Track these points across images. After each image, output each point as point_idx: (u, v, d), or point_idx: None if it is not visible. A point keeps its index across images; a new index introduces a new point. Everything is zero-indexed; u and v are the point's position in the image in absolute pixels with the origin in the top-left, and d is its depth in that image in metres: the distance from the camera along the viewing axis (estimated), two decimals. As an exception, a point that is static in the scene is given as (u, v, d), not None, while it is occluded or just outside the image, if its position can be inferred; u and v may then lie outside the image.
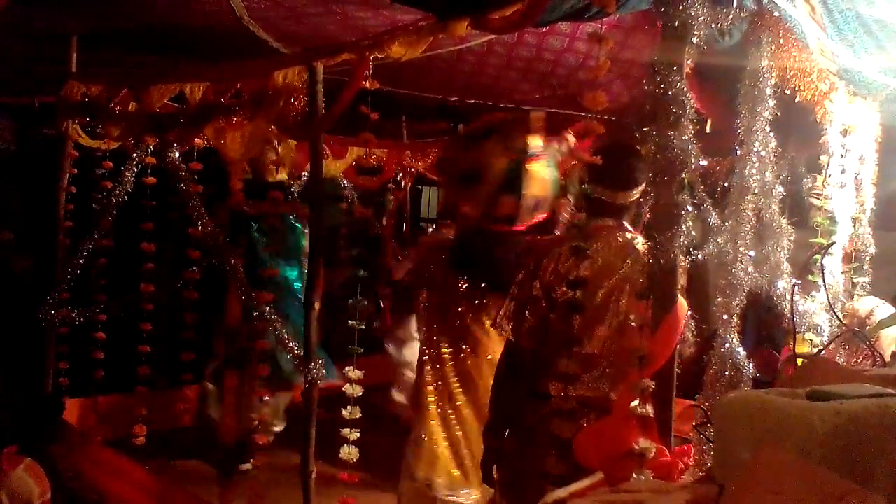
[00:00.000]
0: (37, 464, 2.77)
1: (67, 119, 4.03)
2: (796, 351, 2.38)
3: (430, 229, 6.68)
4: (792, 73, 2.44)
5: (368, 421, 2.97)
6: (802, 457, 1.22)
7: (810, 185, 2.92)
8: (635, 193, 2.51)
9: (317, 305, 2.93)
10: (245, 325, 4.22)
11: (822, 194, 3.18)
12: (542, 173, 3.42)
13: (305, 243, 4.45)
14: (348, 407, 2.92)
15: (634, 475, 1.78)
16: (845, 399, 1.30)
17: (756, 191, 2.33)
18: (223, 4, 2.84)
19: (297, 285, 4.51)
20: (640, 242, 2.40)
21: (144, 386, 4.11)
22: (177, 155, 3.56)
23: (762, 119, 2.32)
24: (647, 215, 2.07)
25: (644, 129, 1.91)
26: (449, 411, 3.73)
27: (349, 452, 2.87)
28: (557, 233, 3.62)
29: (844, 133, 2.74)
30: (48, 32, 3.73)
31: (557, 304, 2.40)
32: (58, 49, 3.86)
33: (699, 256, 3.97)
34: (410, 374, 4.80)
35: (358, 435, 2.90)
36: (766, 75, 2.32)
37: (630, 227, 2.51)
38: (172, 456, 4.49)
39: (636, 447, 1.80)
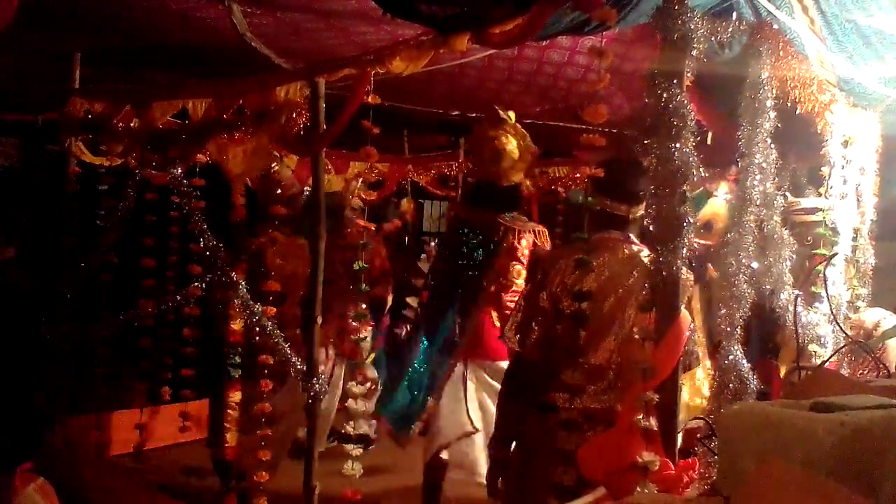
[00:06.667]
0: (49, 484, 2.75)
1: (70, 136, 4.04)
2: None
3: (433, 243, 6.64)
4: (792, 84, 2.44)
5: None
6: (808, 469, 1.21)
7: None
8: (642, 208, 2.50)
9: (319, 320, 2.92)
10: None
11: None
12: None
13: None
14: (351, 423, 2.91)
15: (638, 488, 1.78)
16: (850, 410, 1.29)
17: (757, 202, 2.33)
18: (225, 21, 2.86)
19: None
20: (646, 255, 2.39)
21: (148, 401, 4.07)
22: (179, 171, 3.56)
23: (763, 130, 2.32)
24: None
25: (645, 141, 1.91)
26: None
27: (353, 468, 2.85)
28: None
29: (845, 144, 2.74)
30: (51, 50, 3.75)
31: (564, 316, 2.39)
32: (61, 66, 3.87)
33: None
34: None
35: (361, 451, 2.87)
36: (766, 87, 2.32)
37: (636, 240, 2.51)
38: (176, 472, 4.46)
39: (640, 460, 1.79)
